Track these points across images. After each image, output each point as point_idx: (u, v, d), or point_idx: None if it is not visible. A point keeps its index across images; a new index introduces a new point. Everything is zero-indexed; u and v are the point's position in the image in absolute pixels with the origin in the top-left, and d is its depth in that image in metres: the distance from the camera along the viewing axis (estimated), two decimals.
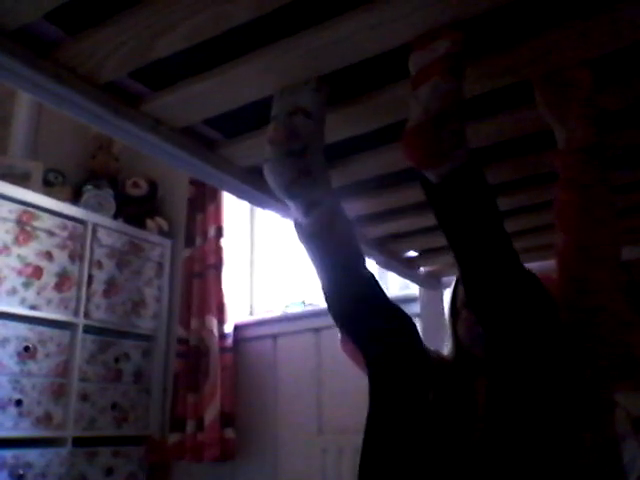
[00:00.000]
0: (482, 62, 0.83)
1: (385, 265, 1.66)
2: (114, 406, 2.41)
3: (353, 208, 1.32)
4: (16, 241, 2.19)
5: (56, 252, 2.32)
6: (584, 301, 0.85)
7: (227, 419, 2.31)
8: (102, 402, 2.37)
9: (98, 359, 2.39)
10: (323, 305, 0.97)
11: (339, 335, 1.25)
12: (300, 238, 0.94)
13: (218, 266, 2.49)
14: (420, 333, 1.00)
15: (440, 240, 1.42)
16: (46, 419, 2.17)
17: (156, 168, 2.84)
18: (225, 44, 0.82)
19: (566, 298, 0.86)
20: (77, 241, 2.41)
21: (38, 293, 2.23)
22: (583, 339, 0.84)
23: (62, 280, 2.32)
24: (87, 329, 2.37)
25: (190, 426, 2.35)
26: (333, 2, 0.75)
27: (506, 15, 0.77)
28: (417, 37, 0.78)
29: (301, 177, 0.87)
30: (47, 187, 2.50)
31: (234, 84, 0.88)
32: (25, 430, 2.10)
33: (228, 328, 2.43)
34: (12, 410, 2.07)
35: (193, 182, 2.67)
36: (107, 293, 2.48)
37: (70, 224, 2.39)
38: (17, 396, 2.09)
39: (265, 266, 2.71)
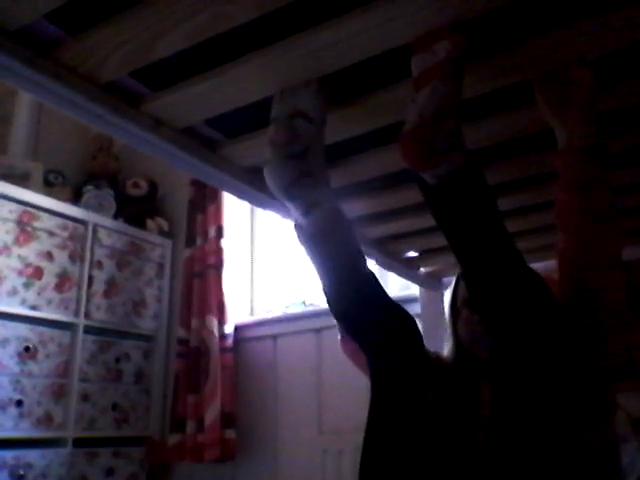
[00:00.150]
0: (482, 62, 0.83)
1: (385, 265, 1.66)
2: (114, 407, 2.41)
3: (353, 208, 1.32)
4: (16, 241, 2.19)
5: (56, 252, 2.32)
6: (584, 301, 0.85)
7: (227, 419, 2.31)
8: (102, 402, 2.37)
9: (98, 359, 2.39)
10: (324, 305, 0.97)
11: (339, 336, 1.25)
12: (300, 239, 0.94)
13: (218, 266, 2.49)
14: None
15: (440, 240, 1.42)
16: (46, 419, 2.17)
17: (156, 168, 2.84)
18: (225, 44, 0.82)
19: (567, 298, 0.86)
20: (77, 241, 2.41)
21: (38, 293, 2.23)
22: (584, 339, 0.84)
23: (62, 280, 2.32)
24: (87, 329, 2.37)
25: (190, 427, 2.35)
26: (333, 2, 0.75)
27: (506, 15, 0.77)
28: (419, 39, 0.78)
29: (301, 179, 0.87)
30: (47, 187, 2.49)
31: (234, 84, 0.88)
32: (25, 431, 2.10)
33: (228, 328, 2.43)
34: (12, 410, 2.07)
35: (193, 182, 2.67)
36: (107, 293, 2.48)
37: (70, 224, 2.39)
38: (17, 396, 2.09)
39: (265, 266, 2.71)
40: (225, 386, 2.35)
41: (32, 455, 2.09)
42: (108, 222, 2.55)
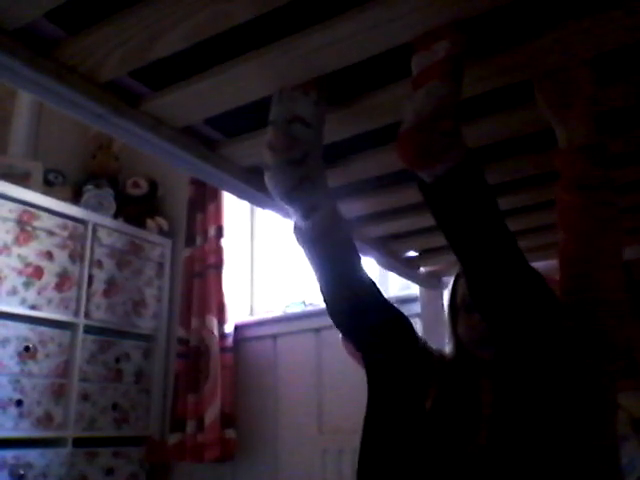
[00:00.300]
0: (482, 62, 0.83)
1: (385, 265, 1.66)
2: (114, 406, 2.41)
3: (353, 208, 1.32)
4: (16, 241, 2.19)
5: (56, 252, 2.32)
6: (585, 300, 0.85)
7: (227, 419, 2.31)
8: (102, 402, 2.36)
9: (98, 359, 2.39)
10: (323, 305, 0.97)
11: (340, 334, 1.25)
12: (299, 241, 0.95)
13: (218, 266, 2.49)
14: (420, 333, 1.00)
15: (440, 240, 1.42)
16: (46, 419, 2.17)
17: (156, 168, 2.84)
18: (225, 43, 0.82)
19: (567, 297, 0.86)
20: (77, 241, 2.41)
21: (38, 293, 2.23)
22: (584, 338, 0.84)
23: (62, 280, 2.32)
24: (87, 329, 2.37)
25: (190, 426, 2.35)
26: (333, 2, 0.75)
27: (507, 14, 0.77)
28: (419, 37, 0.78)
29: (302, 183, 0.88)
30: (47, 187, 2.49)
31: (234, 83, 0.88)
32: (25, 430, 2.10)
33: (228, 328, 2.43)
34: (12, 410, 2.07)
35: (193, 182, 2.67)
36: (107, 293, 2.48)
37: (70, 224, 2.39)
38: (17, 396, 2.09)
39: (265, 266, 2.71)
40: (225, 386, 2.35)
41: (32, 455, 2.09)
42: (108, 221, 2.55)
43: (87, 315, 2.38)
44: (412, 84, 0.80)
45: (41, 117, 2.74)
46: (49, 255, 2.29)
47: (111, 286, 2.50)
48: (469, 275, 0.85)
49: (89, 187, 2.63)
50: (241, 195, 1.21)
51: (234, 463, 2.36)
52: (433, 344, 1.20)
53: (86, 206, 2.52)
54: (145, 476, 2.46)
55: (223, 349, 2.39)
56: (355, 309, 0.93)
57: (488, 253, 0.80)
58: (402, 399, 0.89)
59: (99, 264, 2.47)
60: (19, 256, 2.19)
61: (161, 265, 2.75)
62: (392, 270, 1.70)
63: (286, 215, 1.25)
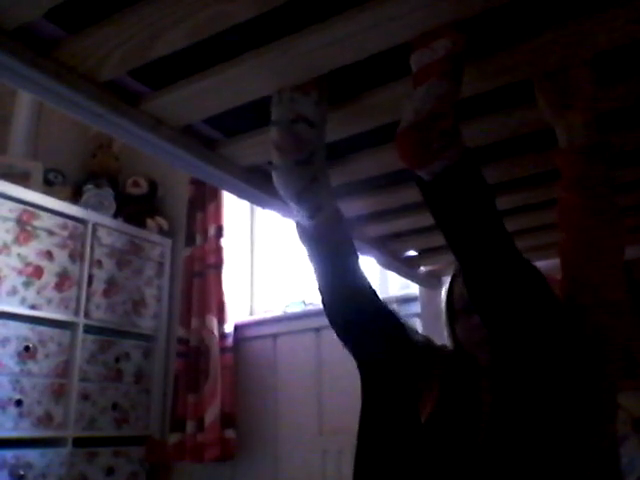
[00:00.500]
0: (482, 62, 0.83)
1: (385, 264, 1.66)
2: (114, 406, 2.40)
3: (353, 207, 1.32)
4: (16, 240, 2.19)
5: (56, 251, 2.32)
6: (585, 300, 0.85)
7: (227, 419, 2.31)
8: (102, 402, 2.36)
9: (98, 359, 2.39)
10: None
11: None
12: (302, 239, 0.96)
13: (218, 266, 2.49)
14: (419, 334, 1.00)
15: (440, 239, 1.41)
16: (46, 419, 2.17)
17: (156, 167, 2.84)
18: (225, 43, 0.82)
19: (568, 297, 0.86)
20: (77, 240, 2.41)
21: (38, 293, 2.23)
22: (584, 338, 0.84)
23: (62, 280, 2.32)
24: (87, 329, 2.37)
25: (190, 426, 2.35)
26: (332, 2, 0.75)
27: (506, 15, 0.77)
28: (419, 35, 0.77)
29: (311, 184, 0.89)
30: (47, 186, 2.49)
31: (234, 83, 0.88)
32: (25, 430, 2.10)
33: (228, 328, 2.43)
34: (12, 410, 2.07)
35: (193, 181, 2.67)
36: (107, 293, 2.48)
37: (70, 223, 2.39)
38: (17, 396, 2.09)
39: (265, 266, 2.71)
40: (225, 386, 2.35)
41: (32, 455, 2.09)
42: (108, 221, 2.55)
43: (87, 315, 2.38)
44: (412, 81, 0.80)
45: (41, 117, 2.74)
46: (49, 255, 2.29)
47: (111, 286, 2.50)
48: (467, 273, 0.85)
49: (89, 187, 2.63)
50: (241, 195, 1.21)
51: (234, 463, 2.36)
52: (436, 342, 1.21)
53: (86, 206, 2.52)
54: (145, 476, 2.46)
55: (223, 349, 2.39)
56: (351, 311, 0.94)
57: (485, 251, 0.81)
58: (397, 400, 0.89)
59: (99, 264, 2.47)
60: (19, 256, 2.19)
61: (161, 265, 2.75)
62: (392, 269, 1.70)
63: (286, 214, 1.25)
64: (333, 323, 0.97)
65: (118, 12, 0.75)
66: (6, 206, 2.17)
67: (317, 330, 2.26)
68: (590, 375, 0.84)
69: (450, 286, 1.16)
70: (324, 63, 0.83)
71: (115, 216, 2.62)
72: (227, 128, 1.05)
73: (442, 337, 1.19)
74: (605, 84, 0.90)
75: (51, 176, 2.58)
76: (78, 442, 2.25)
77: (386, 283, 2.22)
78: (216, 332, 2.41)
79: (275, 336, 2.41)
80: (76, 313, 2.35)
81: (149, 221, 2.75)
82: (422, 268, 1.80)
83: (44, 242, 2.28)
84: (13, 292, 2.16)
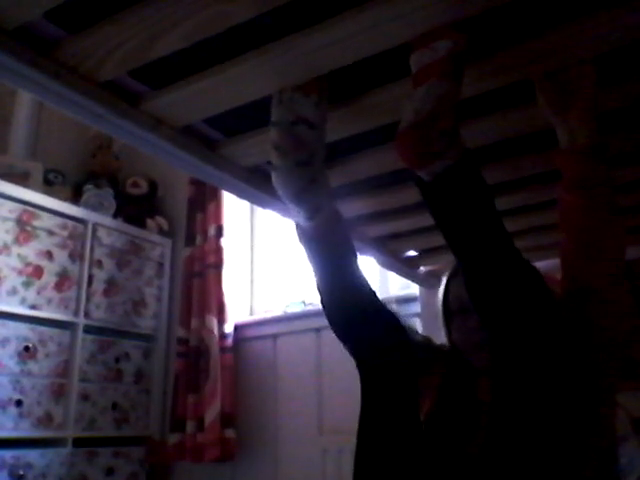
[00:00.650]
0: (482, 61, 0.83)
1: (385, 265, 1.66)
2: (114, 406, 2.40)
3: (353, 207, 1.32)
4: (16, 241, 2.19)
5: (56, 251, 2.32)
6: (586, 300, 0.85)
7: (227, 419, 2.31)
8: (102, 402, 2.36)
9: (98, 359, 2.39)
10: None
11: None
12: (301, 240, 0.96)
13: (218, 266, 2.49)
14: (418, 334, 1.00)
15: (440, 239, 1.41)
16: (46, 419, 2.17)
17: (156, 167, 2.84)
18: (225, 43, 0.82)
19: (568, 297, 0.86)
20: (77, 240, 2.41)
21: (38, 293, 2.23)
22: (584, 338, 0.84)
23: (62, 280, 2.32)
24: (87, 329, 2.37)
25: (190, 426, 2.35)
26: (333, 2, 0.75)
27: (506, 15, 0.77)
28: (419, 35, 0.77)
29: (310, 185, 0.89)
30: (47, 186, 2.49)
31: (234, 83, 0.88)
32: (25, 430, 2.10)
33: (228, 328, 2.43)
34: (12, 410, 2.07)
35: (193, 181, 2.67)
36: (107, 293, 2.48)
37: (70, 223, 2.39)
38: (17, 396, 2.09)
39: (265, 266, 2.71)
40: (225, 386, 2.35)
41: (32, 455, 2.09)
42: (108, 221, 2.55)
43: (87, 315, 2.38)
44: (412, 81, 0.80)
45: (41, 117, 2.74)
46: (49, 255, 2.29)
47: (111, 286, 2.50)
48: (467, 274, 0.85)
49: (89, 187, 2.63)
50: (241, 195, 1.21)
51: (234, 463, 2.36)
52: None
53: (86, 206, 2.52)
54: (145, 476, 2.46)
55: (223, 349, 2.39)
56: (350, 311, 0.94)
57: (485, 251, 0.81)
58: (397, 400, 0.89)
59: (99, 264, 2.47)
60: (19, 256, 2.19)
61: (161, 265, 2.74)
62: (392, 269, 1.70)
63: (286, 215, 1.25)
64: (332, 323, 0.97)
65: (118, 12, 0.75)
66: (6, 206, 2.17)
67: (317, 330, 2.26)
68: (590, 375, 0.84)
69: (446, 288, 1.16)
70: (324, 63, 0.83)
71: (115, 216, 2.62)
72: (227, 128, 1.05)
73: (442, 337, 1.19)
74: (605, 84, 0.90)
75: (51, 176, 2.58)
76: (78, 442, 2.25)
77: (386, 283, 2.22)
78: (216, 332, 2.41)
79: (275, 336, 2.41)
80: (76, 313, 2.35)
81: (149, 221, 2.75)
82: (422, 268, 1.80)
83: (44, 242, 2.28)
84: (13, 292, 2.15)
